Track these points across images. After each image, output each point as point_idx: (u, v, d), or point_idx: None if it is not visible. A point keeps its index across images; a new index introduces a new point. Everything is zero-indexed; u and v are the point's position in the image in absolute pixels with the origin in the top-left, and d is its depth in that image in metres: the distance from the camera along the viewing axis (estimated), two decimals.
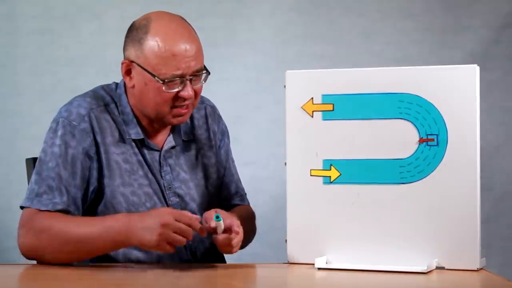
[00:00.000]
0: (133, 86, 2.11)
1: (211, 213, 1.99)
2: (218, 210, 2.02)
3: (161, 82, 2.04)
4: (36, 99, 3.67)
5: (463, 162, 1.93)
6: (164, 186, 2.15)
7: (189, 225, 1.91)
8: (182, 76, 2.05)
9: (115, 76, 3.62)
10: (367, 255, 1.99)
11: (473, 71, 1.94)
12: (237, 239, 1.99)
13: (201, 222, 1.96)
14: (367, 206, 1.99)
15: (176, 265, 2.07)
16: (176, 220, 1.91)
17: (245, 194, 2.35)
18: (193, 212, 2.15)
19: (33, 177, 2.08)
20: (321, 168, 2.03)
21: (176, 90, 2.06)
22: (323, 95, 2.03)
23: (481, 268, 1.95)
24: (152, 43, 2.05)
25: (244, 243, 2.14)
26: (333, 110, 2.03)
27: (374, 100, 1.99)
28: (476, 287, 1.86)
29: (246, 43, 3.68)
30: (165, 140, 2.18)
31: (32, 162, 2.38)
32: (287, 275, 1.99)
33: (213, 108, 2.32)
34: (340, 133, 2.01)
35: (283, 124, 2.08)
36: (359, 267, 1.98)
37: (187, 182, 2.19)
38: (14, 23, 3.66)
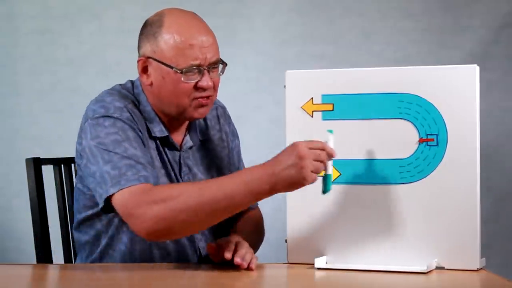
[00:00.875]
0: (151, 84, 2.10)
1: (228, 244, 1.97)
2: (233, 239, 2.00)
3: (179, 72, 2.04)
4: (36, 99, 3.67)
5: (463, 162, 1.93)
6: None
7: (322, 149, 1.85)
8: (199, 66, 2.05)
9: (115, 76, 3.63)
10: (367, 255, 1.99)
11: (473, 71, 1.94)
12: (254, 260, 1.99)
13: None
14: (367, 206, 1.99)
15: (176, 265, 2.07)
16: (310, 148, 1.83)
17: None
18: None
19: (104, 167, 1.96)
20: None
21: (195, 81, 2.06)
22: (323, 95, 2.03)
23: (481, 268, 1.95)
24: (168, 35, 2.05)
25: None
26: (333, 110, 2.03)
27: (374, 100, 1.99)
28: (476, 287, 1.86)
29: (246, 43, 3.68)
30: (183, 140, 2.18)
31: (32, 162, 2.38)
32: (287, 275, 1.99)
33: (224, 108, 2.33)
34: (340, 133, 2.01)
35: (283, 124, 2.08)
36: (359, 267, 1.98)
37: None
38: (13, 23, 3.66)
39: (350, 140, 2.01)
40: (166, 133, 2.12)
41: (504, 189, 3.68)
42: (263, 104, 3.68)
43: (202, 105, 2.08)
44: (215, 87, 2.10)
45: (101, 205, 1.96)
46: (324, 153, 1.85)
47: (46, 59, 3.67)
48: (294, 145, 1.84)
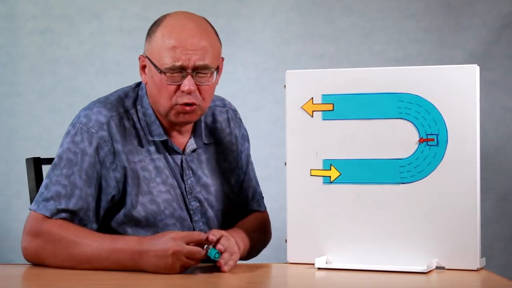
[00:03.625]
0: (147, 82, 2.11)
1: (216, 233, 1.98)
2: (223, 232, 1.99)
3: (160, 72, 2.04)
4: (36, 99, 3.67)
5: (463, 162, 1.93)
6: (185, 191, 2.13)
7: (199, 245, 1.90)
8: (182, 68, 2.04)
9: (115, 76, 3.65)
10: (367, 255, 1.99)
11: (473, 70, 1.94)
12: (230, 262, 1.97)
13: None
14: (367, 206, 1.99)
15: None
16: (186, 243, 1.90)
17: (262, 198, 2.33)
18: (211, 218, 2.16)
19: (44, 180, 2.07)
20: (321, 168, 2.03)
21: (177, 83, 2.05)
22: (323, 95, 2.03)
23: (481, 268, 1.95)
24: (159, 34, 2.06)
25: (254, 253, 2.16)
26: (333, 110, 2.02)
27: (374, 100, 1.99)
28: (476, 287, 1.86)
29: (246, 43, 3.68)
30: (187, 143, 2.16)
31: (32, 162, 2.38)
32: (287, 275, 1.99)
33: (235, 112, 2.30)
34: (340, 133, 2.01)
35: (283, 124, 2.08)
36: (359, 267, 1.97)
37: (208, 187, 2.17)
38: (14, 23, 3.66)
39: (350, 140, 2.00)
40: (164, 137, 2.11)
41: (504, 189, 3.68)
42: (263, 104, 3.67)
43: (184, 112, 2.06)
44: (203, 95, 2.07)
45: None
46: (198, 251, 1.90)
47: (46, 59, 3.67)
48: (171, 238, 1.91)
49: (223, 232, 1.97)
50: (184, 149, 2.15)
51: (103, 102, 2.13)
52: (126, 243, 1.95)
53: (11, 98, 3.66)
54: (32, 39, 3.66)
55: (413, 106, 1.97)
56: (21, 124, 3.66)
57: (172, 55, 2.03)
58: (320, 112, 2.03)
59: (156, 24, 2.08)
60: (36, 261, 2.02)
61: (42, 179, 2.38)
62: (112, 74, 3.64)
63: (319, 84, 2.03)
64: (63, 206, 2.02)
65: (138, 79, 2.19)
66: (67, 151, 2.07)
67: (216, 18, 3.67)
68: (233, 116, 2.28)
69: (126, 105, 2.12)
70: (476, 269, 1.93)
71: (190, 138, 2.16)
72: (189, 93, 2.04)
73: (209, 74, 2.06)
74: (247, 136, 2.32)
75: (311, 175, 2.04)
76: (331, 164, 2.02)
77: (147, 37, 2.09)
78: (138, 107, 2.13)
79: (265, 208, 2.33)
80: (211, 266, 1.99)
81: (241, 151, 2.28)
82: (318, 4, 3.70)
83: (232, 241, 1.97)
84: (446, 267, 1.94)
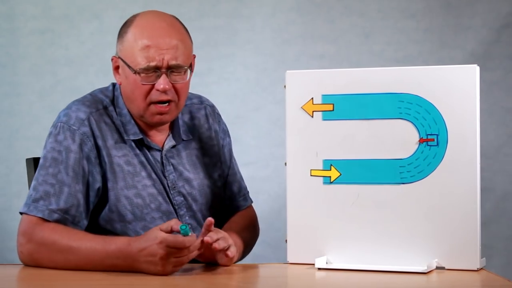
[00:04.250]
0: (121, 83, 2.13)
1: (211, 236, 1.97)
2: (218, 230, 1.99)
3: (134, 72, 2.05)
4: (36, 99, 3.67)
5: (463, 162, 1.93)
6: (168, 186, 2.15)
7: (185, 248, 1.88)
8: (156, 68, 2.05)
9: None
10: (367, 255, 1.99)
11: (474, 71, 1.94)
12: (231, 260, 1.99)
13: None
14: (367, 206, 1.99)
15: None
16: (173, 247, 1.87)
17: (248, 192, 2.34)
18: (196, 212, 2.16)
19: (33, 182, 2.07)
20: (321, 168, 2.03)
21: (152, 83, 2.06)
22: (323, 95, 2.03)
23: (481, 268, 1.95)
24: (130, 35, 2.08)
25: (246, 252, 2.16)
26: (333, 110, 2.02)
27: (374, 100, 1.99)
28: (476, 287, 1.86)
29: (246, 43, 3.68)
30: (165, 139, 2.18)
31: (32, 162, 2.38)
32: (287, 275, 1.99)
33: (213, 107, 2.32)
34: (340, 133, 2.01)
35: (283, 124, 2.08)
36: (359, 267, 1.97)
37: (191, 181, 2.18)
38: (14, 23, 3.66)
39: (350, 140, 2.00)
40: (140, 136, 2.13)
41: (504, 189, 3.68)
42: (263, 104, 3.67)
43: (159, 112, 2.08)
44: (178, 93, 2.08)
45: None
46: (187, 250, 1.88)
47: (47, 59, 3.67)
48: (154, 244, 1.87)
49: (223, 234, 1.98)
50: (162, 146, 2.17)
51: (81, 100, 2.16)
52: (117, 248, 1.93)
53: (11, 98, 3.66)
54: (32, 39, 3.66)
55: (413, 106, 1.97)
56: (22, 124, 3.67)
57: (145, 55, 2.05)
58: (320, 112, 2.03)
59: (126, 25, 2.11)
60: (33, 264, 2.02)
61: None
62: (112, 74, 3.64)
63: (319, 84, 2.04)
64: (53, 205, 2.02)
65: None
66: (51, 151, 2.08)
67: (216, 18, 3.68)
68: (211, 112, 2.30)
69: (104, 103, 2.15)
70: (476, 269, 1.93)
71: (168, 135, 2.18)
72: (164, 91, 2.06)
73: (182, 72, 2.09)
74: (228, 131, 2.34)
75: (311, 175, 2.04)
76: (331, 164, 2.03)
77: (118, 38, 2.12)
78: (115, 105, 2.15)
79: (252, 201, 2.33)
80: (212, 266, 1.99)
81: (223, 145, 2.29)
82: (318, 4, 3.70)
83: (229, 240, 1.98)
84: (446, 267, 1.94)
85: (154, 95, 2.06)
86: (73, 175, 2.05)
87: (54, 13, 3.66)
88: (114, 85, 2.20)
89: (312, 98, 2.04)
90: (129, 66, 2.06)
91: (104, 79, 3.64)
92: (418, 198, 1.96)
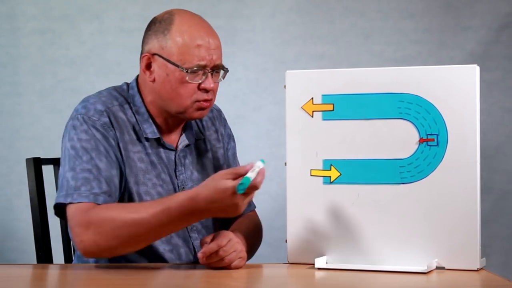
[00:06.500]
0: (154, 80, 2.12)
1: (207, 239, 1.97)
2: (227, 235, 1.99)
3: (185, 71, 2.05)
4: (36, 99, 3.67)
5: (463, 162, 1.94)
6: (178, 186, 2.15)
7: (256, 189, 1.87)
8: (204, 67, 2.07)
9: (115, 76, 3.64)
10: (367, 255, 1.99)
11: (473, 71, 1.94)
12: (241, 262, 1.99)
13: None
14: (367, 206, 1.99)
15: (176, 266, 2.07)
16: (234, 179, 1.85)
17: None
18: None
19: (67, 174, 2.03)
20: (321, 168, 2.04)
21: (199, 81, 2.08)
22: (323, 95, 2.04)
23: (481, 268, 1.95)
24: (177, 34, 2.07)
25: (249, 256, 2.14)
26: (333, 110, 2.03)
27: (374, 100, 1.99)
28: (476, 287, 1.86)
29: (246, 43, 3.68)
30: (178, 139, 2.19)
31: (32, 162, 2.38)
32: (287, 275, 2.00)
33: (219, 111, 2.34)
34: (340, 133, 2.01)
35: (283, 124, 2.09)
36: (359, 267, 1.98)
37: (199, 182, 2.17)
38: (14, 23, 3.66)
39: (350, 140, 2.01)
40: (157, 135, 2.14)
41: (504, 189, 3.68)
42: (263, 104, 3.67)
43: (202, 108, 2.11)
44: (214, 91, 2.12)
45: (54, 209, 2.04)
46: (253, 191, 1.88)
47: (47, 59, 3.67)
48: (230, 194, 1.84)
49: (231, 236, 1.98)
50: (176, 146, 2.17)
51: (96, 95, 2.16)
52: (181, 205, 1.88)
53: (11, 99, 3.66)
54: (33, 39, 3.66)
55: (413, 106, 1.97)
56: (22, 124, 3.67)
57: (197, 54, 2.06)
58: (320, 112, 2.04)
59: (166, 22, 2.09)
60: (97, 252, 1.96)
61: (42, 179, 2.39)
62: (113, 74, 3.64)
63: (319, 84, 2.04)
64: (96, 189, 2.00)
65: None
66: (78, 142, 2.06)
67: (216, 18, 3.67)
68: (218, 115, 2.33)
69: (119, 100, 2.15)
70: (476, 269, 1.93)
71: (181, 134, 2.19)
72: (210, 90, 2.09)
73: (220, 73, 2.12)
74: (232, 136, 2.36)
75: (311, 175, 2.04)
76: (331, 164, 2.03)
77: (156, 35, 2.10)
78: (130, 104, 2.15)
79: (255, 206, 2.33)
80: (211, 266, 1.99)
81: (227, 149, 2.31)
82: (318, 5, 3.70)
83: (239, 245, 1.98)
84: (446, 267, 1.95)
85: (200, 94, 2.08)
86: (105, 161, 2.04)
87: (54, 13, 3.67)
88: (127, 84, 2.20)
89: (312, 98, 2.04)
90: (175, 64, 2.06)
91: (104, 79, 3.66)
92: (418, 198, 1.96)
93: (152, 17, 2.17)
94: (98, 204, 1.98)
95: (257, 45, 3.69)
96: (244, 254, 2.00)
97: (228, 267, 1.96)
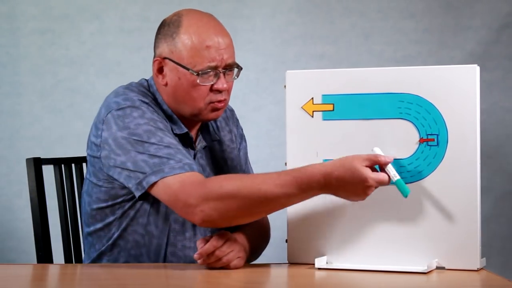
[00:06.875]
0: (166, 84, 2.10)
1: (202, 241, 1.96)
2: (225, 235, 1.98)
3: (196, 74, 2.04)
4: (36, 99, 3.67)
5: (463, 162, 1.93)
6: None
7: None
8: (216, 68, 2.05)
9: (115, 76, 3.65)
10: (367, 255, 1.99)
11: (473, 71, 1.94)
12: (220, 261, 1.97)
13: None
14: (367, 206, 1.99)
15: (176, 266, 2.07)
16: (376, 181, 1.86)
17: None
18: None
19: (140, 157, 1.96)
20: None
21: (211, 83, 2.06)
22: (323, 95, 2.03)
23: (481, 268, 1.95)
24: (186, 36, 2.05)
25: (252, 259, 2.15)
26: (333, 110, 2.03)
27: (374, 100, 1.99)
28: (476, 287, 1.86)
29: (246, 43, 3.68)
30: (195, 140, 2.18)
31: (32, 162, 2.38)
32: (287, 275, 2.00)
33: (232, 111, 2.33)
34: (340, 133, 2.01)
35: (283, 124, 2.09)
36: (359, 267, 1.98)
37: None
38: (14, 23, 3.66)
39: (350, 140, 2.01)
40: (185, 130, 2.11)
41: (504, 189, 3.68)
42: (263, 104, 3.68)
43: (217, 109, 2.09)
44: (228, 91, 2.10)
45: (139, 193, 1.96)
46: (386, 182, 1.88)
47: (47, 59, 3.67)
48: (368, 186, 1.86)
49: (228, 236, 1.98)
50: (195, 146, 2.16)
51: (131, 89, 2.10)
52: (313, 179, 1.87)
53: (11, 98, 3.66)
54: (33, 39, 3.66)
55: (413, 106, 1.97)
56: (22, 124, 3.67)
57: (207, 56, 2.04)
58: (320, 112, 2.04)
59: (174, 25, 2.07)
60: (217, 221, 1.91)
61: (42, 179, 2.39)
62: (113, 74, 3.64)
63: (319, 84, 2.04)
64: (186, 160, 1.94)
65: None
66: (138, 127, 2.00)
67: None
68: (231, 115, 2.32)
69: (148, 96, 2.11)
70: (476, 269, 1.93)
71: (198, 135, 2.17)
72: (223, 91, 2.07)
73: (234, 71, 2.11)
74: (244, 136, 2.34)
75: None
76: None
77: (165, 39, 2.08)
78: (157, 100, 2.13)
79: None
80: (212, 266, 1.99)
81: (239, 149, 2.29)
82: (318, 5, 3.71)
83: (236, 246, 1.98)
84: (446, 267, 1.95)
85: (213, 96, 2.06)
86: (172, 137, 2.02)
87: (54, 13, 3.67)
88: (147, 80, 2.17)
89: (312, 98, 2.04)
90: (186, 68, 2.05)
91: (105, 79, 3.67)
92: (418, 198, 1.96)
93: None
94: (194, 172, 1.93)
95: (257, 45, 3.69)
96: (242, 253, 1.99)
97: (227, 267, 1.96)
